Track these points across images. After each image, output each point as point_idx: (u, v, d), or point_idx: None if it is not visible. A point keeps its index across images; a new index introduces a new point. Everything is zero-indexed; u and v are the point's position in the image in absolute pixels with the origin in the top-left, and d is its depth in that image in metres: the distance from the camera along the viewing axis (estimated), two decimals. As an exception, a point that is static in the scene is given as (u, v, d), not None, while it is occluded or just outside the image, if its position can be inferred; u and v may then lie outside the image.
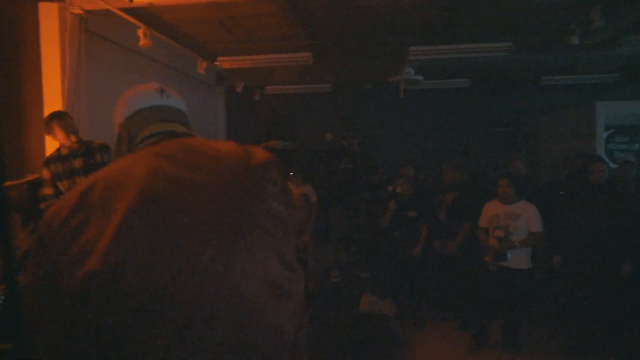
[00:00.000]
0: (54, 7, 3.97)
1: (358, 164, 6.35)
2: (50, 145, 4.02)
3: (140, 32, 4.56)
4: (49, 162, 3.32)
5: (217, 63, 6.12)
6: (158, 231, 0.96)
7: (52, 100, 4.03)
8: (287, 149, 6.18)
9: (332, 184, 6.15)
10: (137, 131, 1.21)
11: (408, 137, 9.43)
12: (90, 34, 4.41)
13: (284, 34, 5.58)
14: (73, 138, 3.29)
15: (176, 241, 0.96)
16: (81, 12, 4.14)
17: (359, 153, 6.35)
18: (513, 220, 4.03)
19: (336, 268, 5.83)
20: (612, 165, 6.34)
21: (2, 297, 2.46)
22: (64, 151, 3.31)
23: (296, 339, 1.05)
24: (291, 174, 5.82)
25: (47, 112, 4.04)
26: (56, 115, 3.32)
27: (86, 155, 3.24)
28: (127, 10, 4.35)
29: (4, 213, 0.85)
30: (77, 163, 3.24)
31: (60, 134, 3.25)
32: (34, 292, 0.98)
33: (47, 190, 3.20)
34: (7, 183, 3.21)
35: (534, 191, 4.67)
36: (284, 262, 1.06)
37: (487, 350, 4.03)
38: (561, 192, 4.71)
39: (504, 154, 7.26)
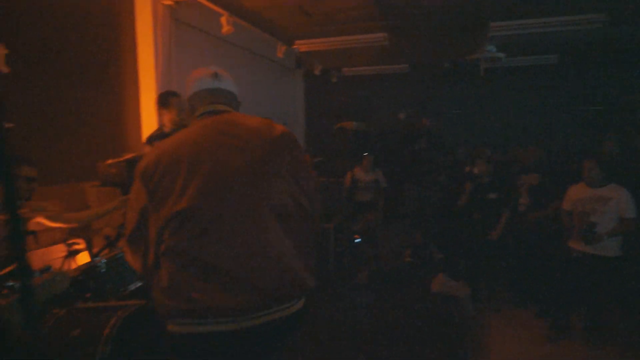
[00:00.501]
0: (147, 0, 4.20)
1: (433, 144, 6.13)
2: (146, 127, 4.31)
3: (223, 20, 4.70)
4: (151, 139, 3.45)
5: (295, 46, 6.15)
6: (210, 181, 1.46)
7: (147, 84, 4.30)
8: (362, 129, 6.11)
9: (406, 164, 6.01)
10: (195, 107, 1.68)
11: (488, 117, 8.92)
12: (179, 23, 4.61)
13: (360, 15, 5.46)
14: (183, 116, 3.41)
15: (223, 187, 1.47)
16: (171, 2, 4.34)
17: (434, 133, 6.12)
18: (601, 205, 3.68)
19: (409, 248, 5.73)
20: None
21: (105, 261, 2.70)
22: (167, 130, 3.43)
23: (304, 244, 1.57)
24: (365, 154, 5.76)
25: (143, 96, 4.32)
26: (174, 94, 3.44)
27: None
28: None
29: (15, 204, 0.90)
30: None
31: (174, 111, 3.38)
32: (134, 211, 1.53)
33: None
34: (108, 161, 3.49)
35: (629, 175, 4.22)
36: (294, 199, 1.56)
37: (566, 340, 3.75)
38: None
39: (594, 134, 6.63)
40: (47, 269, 2.37)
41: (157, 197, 1.46)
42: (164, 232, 1.45)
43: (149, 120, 4.31)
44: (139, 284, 2.79)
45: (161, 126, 3.48)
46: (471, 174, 4.90)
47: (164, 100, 3.39)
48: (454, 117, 8.75)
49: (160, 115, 3.45)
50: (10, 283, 2.14)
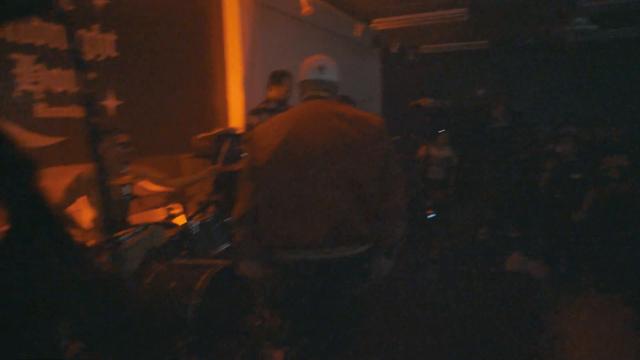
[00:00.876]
0: (234, -14, 4.31)
1: (513, 122, 5.75)
2: (233, 105, 4.49)
3: (303, 1, 4.70)
4: (258, 111, 3.55)
5: (372, 25, 6.02)
6: (301, 142, 1.88)
7: (234, 66, 4.45)
8: (438, 106, 5.88)
9: (484, 142, 5.70)
10: (303, 92, 2.05)
11: (575, 95, 8.15)
12: (263, 6, 4.69)
13: (439, -10, 5.20)
14: (290, 94, 3.53)
15: (308, 153, 1.86)
16: (255, -14, 4.41)
17: (514, 111, 5.72)
18: None
19: (484, 225, 5.49)
20: None
21: (197, 224, 2.88)
22: (272, 105, 3.53)
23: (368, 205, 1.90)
24: (440, 131, 5.55)
25: (230, 77, 4.49)
26: (286, 73, 3.56)
27: (279, 112, 3.41)
28: (293, -19, 4.50)
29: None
30: None
31: (284, 89, 3.52)
32: (247, 164, 2.00)
33: None
34: (200, 135, 3.69)
35: None
36: (369, 174, 1.88)
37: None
38: None
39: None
40: (147, 226, 2.58)
41: (261, 152, 1.91)
42: (263, 183, 1.90)
43: (235, 99, 4.49)
44: (226, 246, 2.96)
45: (268, 100, 3.59)
46: (553, 153, 4.55)
47: (278, 78, 3.54)
48: (536, 95, 8.12)
49: (269, 90, 3.58)
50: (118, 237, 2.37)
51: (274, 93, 3.54)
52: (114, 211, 2.79)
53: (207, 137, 3.65)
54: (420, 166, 5.50)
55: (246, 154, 2.15)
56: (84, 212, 2.71)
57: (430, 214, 4.76)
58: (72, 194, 2.66)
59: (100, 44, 3.30)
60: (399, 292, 3.95)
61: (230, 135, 3.65)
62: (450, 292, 4.00)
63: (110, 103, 3.38)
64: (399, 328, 3.34)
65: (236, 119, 4.45)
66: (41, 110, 2.89)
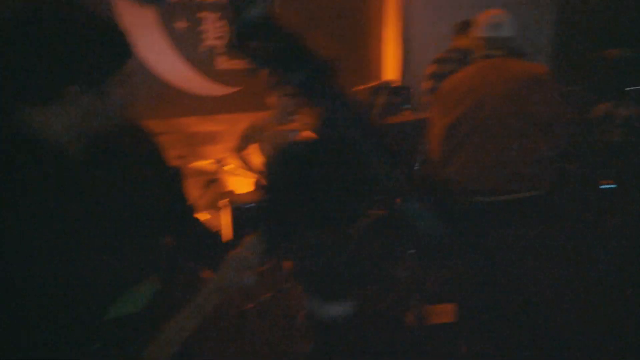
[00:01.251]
0: None
1: None
2: (388, 58, 4.39)
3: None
4: (442, 60, 3.47)
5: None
6: (479, 99, 2.05)
7: (391, 19, 4.31)
8: (629, 58, 4.87)
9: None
10: (478, 49, 2.18)
11: None
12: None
13: None
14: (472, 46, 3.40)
15: (483, 108, 2.03)
16: None
17: None
18: None
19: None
20: None
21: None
22: (455, 55, 3.42)
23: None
24: (629, 88, 4.60)
25: (385, 30, 4.37)
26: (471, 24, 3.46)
27: (463, 63, 3.13)
28: None
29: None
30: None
31: (470, 41, 3.38)
32: (432, 119, 2.26)
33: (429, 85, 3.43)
34: (356, 88, 3.70)
35: None
36: (539, 125, 2.03)
37: None
38: None
39: None
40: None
41: (447, 109, 2.11)
42: (447, 134, 2.10)
43: (391, 52, 4.38)
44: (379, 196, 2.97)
45: (452, 49, 3.49)
46: None
47: (464, 27, 3.38)
48: None
49: (455, 39, 3.49)
50: None
51: (459, 42, 3.38)
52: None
53: (364, 90, 3.65)
54: (598, 127, 4.71)
55: (405, 110, 2.78)
56: (254, 157, 2.96)
57: (607, 184, 4.07)
58: (246, 139, 2.92)
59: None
60: (556, 270, 3.52)
61: (386, 88, 3.58)
62: (620, 277, 3.41)
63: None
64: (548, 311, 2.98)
65: (392, 72, 4.36)
66: (222, 63, 3.20)
